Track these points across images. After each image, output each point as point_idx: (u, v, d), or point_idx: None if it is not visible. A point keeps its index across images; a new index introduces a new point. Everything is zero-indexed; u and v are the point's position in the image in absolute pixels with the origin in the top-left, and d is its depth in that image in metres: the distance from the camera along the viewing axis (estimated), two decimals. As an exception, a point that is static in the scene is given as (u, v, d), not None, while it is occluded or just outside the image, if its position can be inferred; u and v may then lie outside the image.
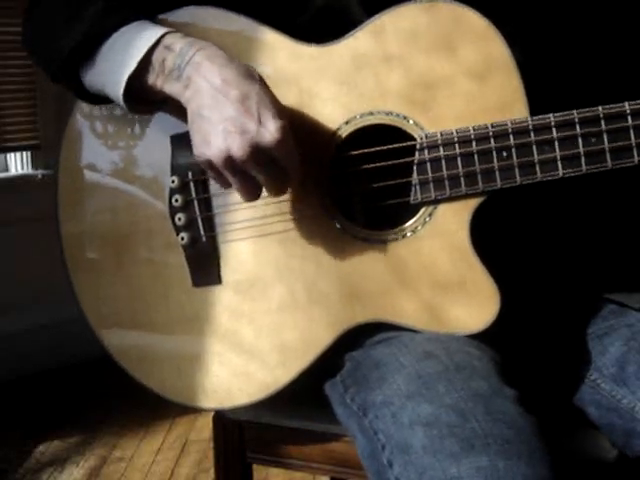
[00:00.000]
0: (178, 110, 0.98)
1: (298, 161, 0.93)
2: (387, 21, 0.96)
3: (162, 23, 1.01)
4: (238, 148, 0.89)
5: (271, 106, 0.90)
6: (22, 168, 3.11)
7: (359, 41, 0.97)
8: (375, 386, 0.91)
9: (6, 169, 3.09)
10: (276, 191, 0.95)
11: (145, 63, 0.95)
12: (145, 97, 0.98)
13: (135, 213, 1.07)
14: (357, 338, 1.02)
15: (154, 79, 0.96)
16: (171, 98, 0.96)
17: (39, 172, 3.05)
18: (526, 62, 0.95)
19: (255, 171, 0.91)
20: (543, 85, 0.99)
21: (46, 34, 1.02)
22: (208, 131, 0.91)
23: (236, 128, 0.89)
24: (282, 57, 0.99)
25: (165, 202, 1.05)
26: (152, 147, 1.06)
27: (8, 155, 3.08)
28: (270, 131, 0.89)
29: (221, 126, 0.90)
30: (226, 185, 0.95)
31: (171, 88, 0.95)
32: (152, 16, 1.01)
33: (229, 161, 0.90)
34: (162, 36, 0.95)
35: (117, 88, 0.96)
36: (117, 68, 0.96)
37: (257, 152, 0.89)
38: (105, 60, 0.98)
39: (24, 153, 3.09)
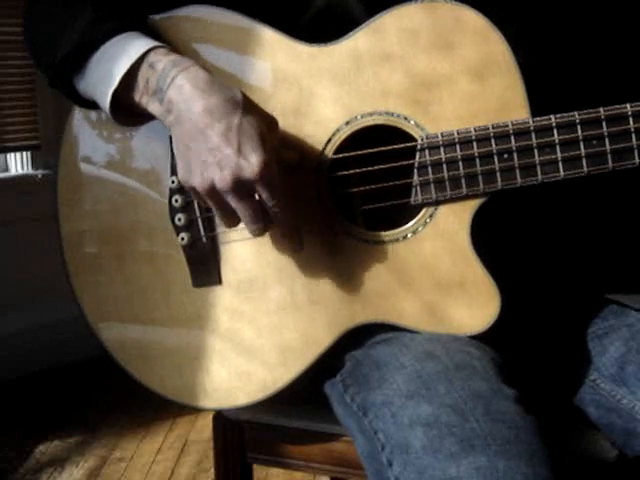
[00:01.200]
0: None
1: (281, 195, 0.91)
2: (387, 21, 0.96)
3: (164, 22, 1.01)
4: (219, 180, 0.89)
5: (254, 137, 0.90)
6: (22, 168, 3.11)
7: (359, 41, 0.97)
8: (375, 386, 0.91)
9: (6, 169, 3.09)
10: (255, 229, 0.93)
11: (130, 80, 0.95)
12: (134, 111, 0.98)
13: (135, 212, 1.07)
14: (357, 338, 1.02)
15: (139, 97, 0.96)
16: None
17: (39, 172, 3.06)
18: (531, 63, 0.95)
19: (236, 204, 0.91)
20: (548, 87, 0.99)
21: (42, 40, 1.03)
22: (191, 161, 0.91)
23: (217, 161, 0.89)
24: (282, 57, 0.99)
25: (165, 202, 1.05)
26: (152, 147, 1.05)
27: (8, 155, 3.08)
28: (251, 164, 0.89)
29: (203, 157, 0.90)
30: (209, 207, 0.95)
31: (154, 110, 0.95)
32: (152, 14, 1.01)
33: (211, 192, 0.91)
34: (146, 52, 0.95)
35: (104, 100, 0.96)
36: (104, 81, 0.96)
37: (238, 184, 0.89)
38: (94, 71, 0.98)
39: (24, 153, 3.09)
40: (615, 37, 1.06)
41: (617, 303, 1.06)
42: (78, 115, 1.09)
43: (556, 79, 1.01)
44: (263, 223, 0.93)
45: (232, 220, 0.95)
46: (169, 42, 0.99)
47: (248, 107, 0.92)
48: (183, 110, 0.91)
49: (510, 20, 0.96)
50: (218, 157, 0.89)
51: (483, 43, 0.94)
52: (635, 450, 0.98)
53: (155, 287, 1.06)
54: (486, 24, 0.94)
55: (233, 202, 0.91)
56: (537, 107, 0.94)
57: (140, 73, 0.95)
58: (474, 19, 0.94)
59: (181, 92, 0.92)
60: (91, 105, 1.03)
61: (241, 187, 0.90)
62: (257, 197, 0.92)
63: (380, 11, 0.96)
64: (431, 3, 0.95)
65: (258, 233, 0.94)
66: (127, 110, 0.98)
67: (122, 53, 0.95)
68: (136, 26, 0.98)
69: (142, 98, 0.95)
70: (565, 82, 1.02)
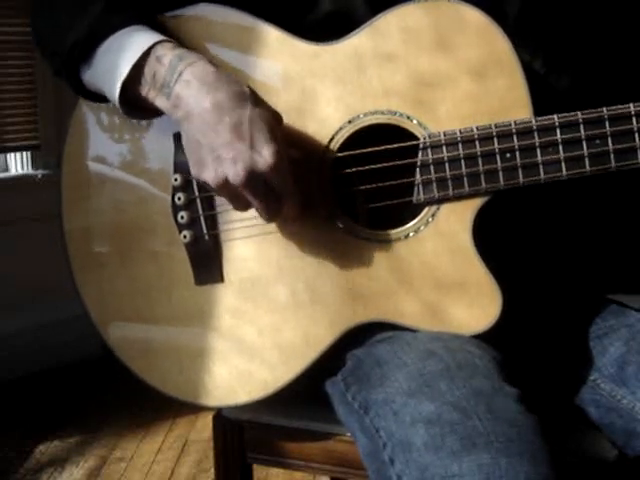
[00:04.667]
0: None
1: (293, 186, 0.93)
2: (390, 20, 0.96)
3: (172, 20, 1.01)
4: (233, 175, 0.90)
5: (265, 129, 0.90)
6: (22, 168, 3.10)
7: (362, 40, 0.97)
8: (377, 384, 0.91)
9: (6, 169, 3.09)
10: (269, 216, 0.95)
11: (138, 72, 0.95)
12: (141, 104, 0.98)
13: (139, 209, 1.07)
14: (358, 337, 1.02)
15: (147, 91, 0.96)
16: None
17: (39, 172, 3.05)
18: (548, 74, 0.95)
19: (250, 196, 0.92)
20: (565, 96, 0.99)
21: (51, 28, 1.03)
22: (203, 156, 0.91)
23: (230, 155, 0.90)
24: (285, 56, 1.00)
25: (168, 199, 1.05)
26: (155, 144, 1.06)
27: (8, 155, 3.07)
28: (264, 157, 0.89)
29: (215, 153, 0.90)
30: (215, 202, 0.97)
31: (162, 104, 0.95)
32: (160, 13, 1.01)
33: (225, 186, 0.91)
34: (153, 45, 0.95)
35: (113, 91, 0.97)
36: (112, 72, 0.96)
37: (252, 178, 0.90)
38: (101, 62, 0.98)
39: (24, 153, 3.08)
40: (635, 48, 1.07)
41: (617, 303, 1.07)
42: (82, 111, 1.09)
43: (574, 89, 1.01)
44: (276, 210, 0.94)
45: (245, 208, 0.96)
46: (177, 40, 0.99)
47: (256, 100, 0.93)
48: (192, 106, 0.91)
49: (528, 32, 0.96)
50: (231, 152, 0.89)
51: (485, 42, 0.94)
52: (635, 450, 0.98)
53: (158, 284, 1.06)
54: (489, 23, 0.94)
55: (247, 194, 0.92)
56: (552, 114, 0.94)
57: (147, 66, 0.95)
58: (476, 18, 0.94)
59: (188, 87, 0.92)
60: (95, 97, 1.03)
61: (255, 180, 0.90)
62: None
63: None
64: (433, 2, 0.95)
65: (271, 220, 0.96)
66: (135, 103, 0.98)
67: (130, 45, 0.95)
68: (144, 21, 0.99)
69: (150, 92, 0.96)
70: (583, 92, 1.02)
